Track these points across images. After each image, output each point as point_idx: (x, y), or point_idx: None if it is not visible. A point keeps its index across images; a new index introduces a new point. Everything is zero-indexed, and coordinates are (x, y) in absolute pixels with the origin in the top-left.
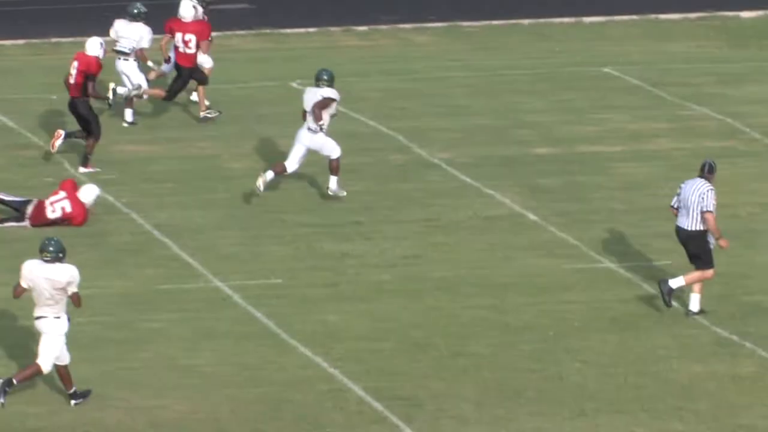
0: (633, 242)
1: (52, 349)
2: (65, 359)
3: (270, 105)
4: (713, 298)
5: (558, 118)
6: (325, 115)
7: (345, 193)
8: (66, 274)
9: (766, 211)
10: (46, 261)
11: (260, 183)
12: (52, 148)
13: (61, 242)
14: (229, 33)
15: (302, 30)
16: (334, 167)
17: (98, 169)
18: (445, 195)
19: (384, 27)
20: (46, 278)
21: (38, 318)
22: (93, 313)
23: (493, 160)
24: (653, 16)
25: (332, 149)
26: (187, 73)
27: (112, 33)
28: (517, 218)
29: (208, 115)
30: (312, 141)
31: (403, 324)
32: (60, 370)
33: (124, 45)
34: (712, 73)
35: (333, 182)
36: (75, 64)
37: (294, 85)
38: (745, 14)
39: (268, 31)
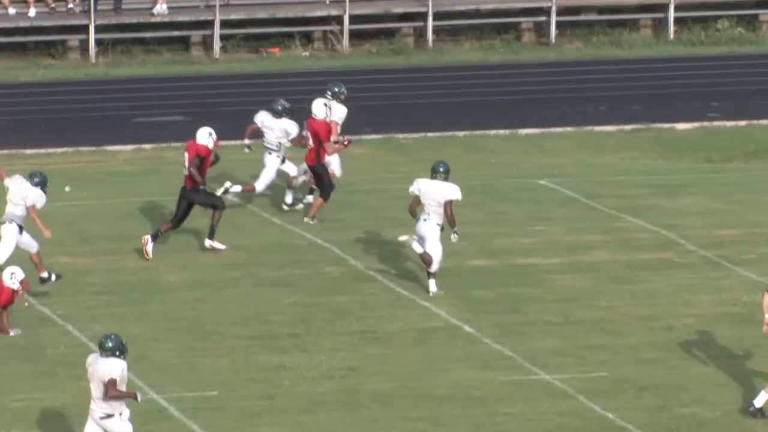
0: (568, 354)
1: None
2: None
3: (205, 217)
4: (649, 409)
5: (494, 230)
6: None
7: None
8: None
9: (701, 323)
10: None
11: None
12: (147, 254)
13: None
14: (164, 145)
15: (237, 142)
16: None
17: (224, 247)
18: (380, 307)
19: None
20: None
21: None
22: (29, 426)
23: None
24: (588, 128)
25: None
26: (319, 168)
27: (258, 122)
28: (453, 330)
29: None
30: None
31: None
32: None
33: (269, 139)
34: (647, 185)
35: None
36: (186, 155)
37: (228, 197)
38: (680, 126)
39: None
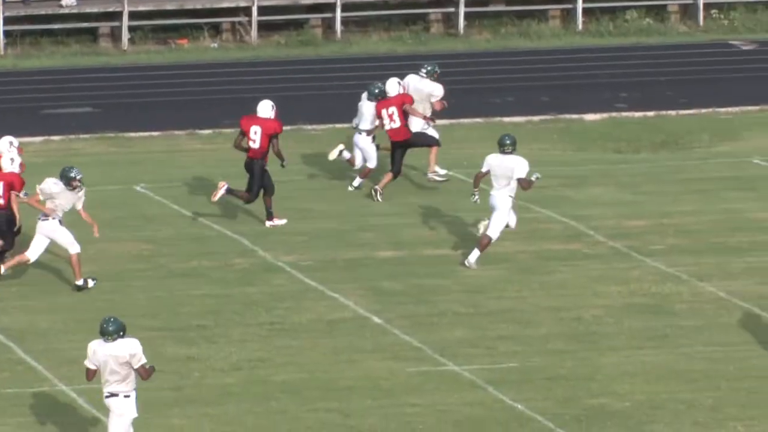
0: (477, 345)
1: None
2: None
3: (114, 209)
4: (558, 400)
5: (402, 221)
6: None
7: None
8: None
9: (609, 314)
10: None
11: (481, 227)
12: (213, 197)
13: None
14: (73, 137)
15: (146, 134)
16: None
17: (285, 221)
18: (289, 298)
19: (228, 130)
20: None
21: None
22: None
23: (337, 263)
24: (497, 118)
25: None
26: (414, 140)
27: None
28: (361, 321)
29: (436, 177)
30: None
31: (248, 427)
32: None
33: (363, 123)
34: (555, 175)
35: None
36: (256, 129)
37: (138, 189)
38: (589, 117)
39: (112, 134)
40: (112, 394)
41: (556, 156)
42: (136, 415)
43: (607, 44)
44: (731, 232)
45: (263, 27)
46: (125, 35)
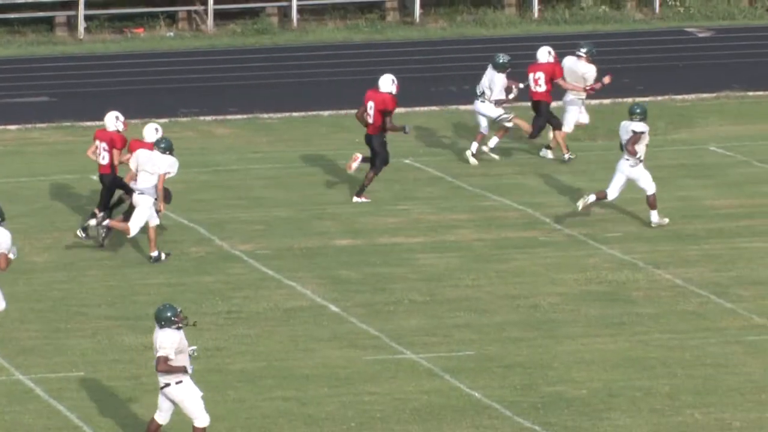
0: (434, 333)
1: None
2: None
3: (70, 198)
4: (515, 388)
5: (358, 210)
6: (640, 147)
7: (667, 221)
8: None
9: (566, 302)
10: None
11: (581, 204)
12: (349, 168)
13: None
14: (29, 126)
15: (102, 123)
16: (651, 202)
17: (369, 200)
18: (246, 287)
19: (184, 119)
20: None
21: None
22: None
23: (294, 252)
24: (453, 107)
25: (647, 184)
26: (545, 108)
27: (485, 81)
28: (319, 309)
29: (571, 156)
30: (631, 172)
31: None
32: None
33: (494, 94)
34: (512, 163)
35: (654, 215)
36: (371, 103)
37: (94, 178)
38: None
39: (68, 123)
40: (166, 385)
41: (511, 144)
42: (200, 393)
43: (563, 32)
44: (688, 219)
45: (219, 16)
46: (81, 24)
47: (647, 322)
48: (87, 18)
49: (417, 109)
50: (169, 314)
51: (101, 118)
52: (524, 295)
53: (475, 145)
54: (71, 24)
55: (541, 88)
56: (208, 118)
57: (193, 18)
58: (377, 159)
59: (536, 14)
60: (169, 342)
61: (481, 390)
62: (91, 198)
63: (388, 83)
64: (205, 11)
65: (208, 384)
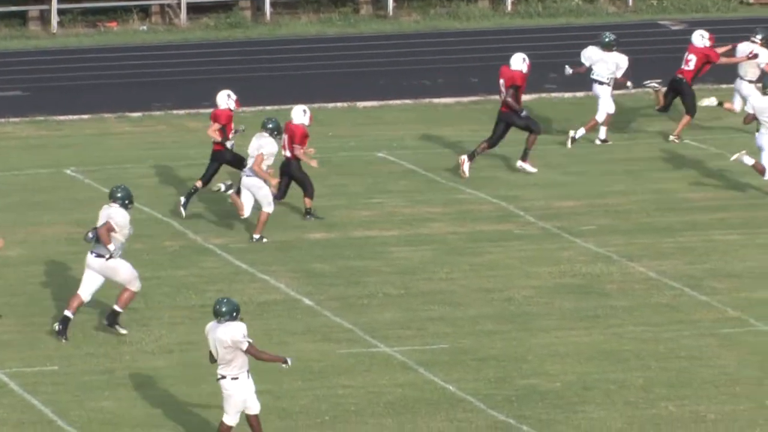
0: (408, 326)
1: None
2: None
3: (44, 192)
4: (489, 381)
5: (332, 203)
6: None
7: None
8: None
9: (540, 294)
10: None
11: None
12: (463, 175)
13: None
14: (2, 120)
15: (75, 117)
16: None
17: (535, 170)
18: (219, 281)
19: (158, 113)
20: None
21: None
22: None
23: (267, 245)
24: (426, 100)
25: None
26: (686, 86)
27: (583, 59)
28: (292, 303)
29: (676, 141)
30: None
31: (179, 410)
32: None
33: (599, 73)
34: (486, 156)
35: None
36: (502, 80)
37: (68, 172)
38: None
39: (41, 118)
40: (222, 377)
41: (485, 137)
42: (244, 397)
43: (536, 25)
44: (661, 212)
45: (192, 9)
46: (54, 18)
47: (621, 314)
48: (60, 12)
49: (390, 102)
50: (229, 307)
51: (74, 112)
52: (498, 289)
53: (603, 130)
54: (44, 18)
55: (690, 67)
56: (181, 111)
57: (166, 12)
58: (531, 124)
59: (509, 7)
60: (239, 332)
61: (455, 383)
62: (63, 192)
63: (519, 61)
64: (178, 5)
65: (182, 378)
